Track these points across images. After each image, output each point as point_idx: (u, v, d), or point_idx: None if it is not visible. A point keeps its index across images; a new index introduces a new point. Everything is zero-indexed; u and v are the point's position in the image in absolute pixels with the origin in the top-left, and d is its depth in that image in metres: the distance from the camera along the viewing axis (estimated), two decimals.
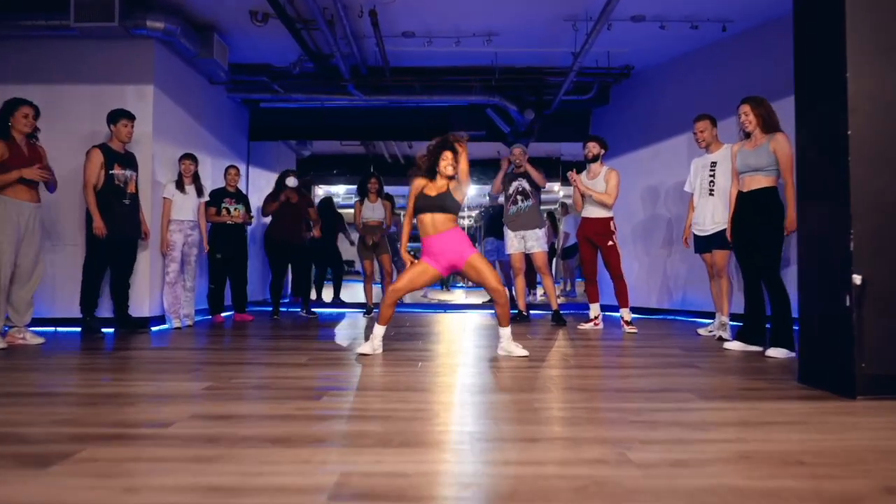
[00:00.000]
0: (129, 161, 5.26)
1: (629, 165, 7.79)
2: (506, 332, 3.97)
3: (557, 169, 9.85)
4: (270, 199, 6.96)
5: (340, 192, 15.58)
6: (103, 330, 5.22)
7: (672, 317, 7.10)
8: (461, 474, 1.67)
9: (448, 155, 3.94)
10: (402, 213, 11.16)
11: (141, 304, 5.63)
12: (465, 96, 7.51)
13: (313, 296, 9.47)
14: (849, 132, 2.62)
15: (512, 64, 7.27)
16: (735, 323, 5.53)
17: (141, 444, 1.94)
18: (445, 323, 6.42)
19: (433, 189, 3.95)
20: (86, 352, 4.17)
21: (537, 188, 6.35)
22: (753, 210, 4.15)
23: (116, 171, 5.12)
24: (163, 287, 5.77)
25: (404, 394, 2.72)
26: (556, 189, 12.40)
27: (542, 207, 6.65)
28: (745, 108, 4.25)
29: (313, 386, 2.89)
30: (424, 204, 3.93)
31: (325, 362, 3.64)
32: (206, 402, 2.54)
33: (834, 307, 2.71)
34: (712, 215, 5.00)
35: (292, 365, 3.53)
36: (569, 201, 10.48)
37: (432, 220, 3.91)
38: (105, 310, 5.43)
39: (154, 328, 5.64)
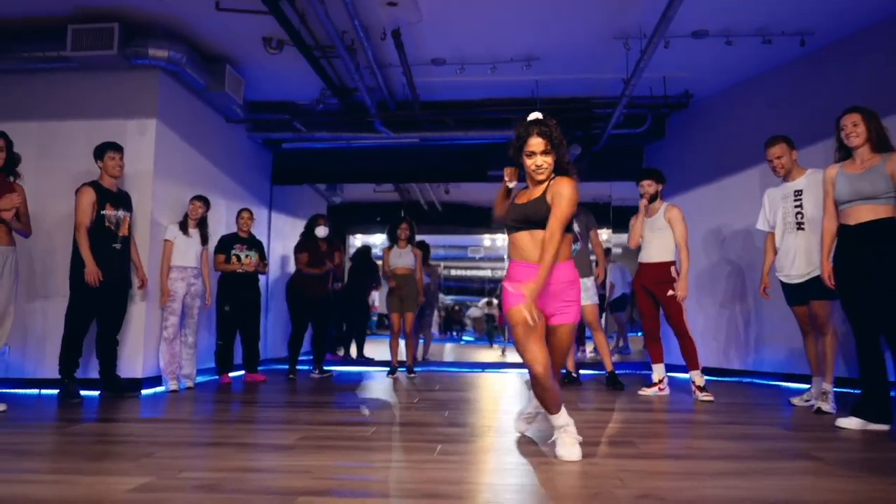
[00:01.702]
0: (122, 200, 4.68)
1: (689, 206, 6.79)
2: (560, 419, 2.59)
3: (607, 214, 8.99)
4: (304, 251, 6.31)
5: (377, 241, 15.01)
6: (86, 394, 4.53)
7: (746, 379, 6.06)
8: None
9: (538, 144, 2.56)
10: (435, 265, 10.11)
11: (133, 364, 4.95)
12: (503, 131, 6.79)
13: (341, 353, 8.76)
14: None
15: (555, 94, 6.56)
16: (841, 389, 4.49)
17: None
18: (484, 386, 5.55)
19: (524, 195, 2.68)
20: (43, 423, 3.47)
21: (586, 229, 5.56)
22: (868, 247, 3.25)
23: (108, 211, 4.53)
24: (159, 343, 5.10)
25: None
26: (605, 238, 11.50)
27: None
28: (856, 117, 3.39)
29: (286, 486, 2.09)
30: (510, 218, 2.68)
31: (317, 444, 2.83)
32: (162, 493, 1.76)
33: None
34: (807, 256, 4.04)
35: (274, 448, 2.74)
36: (619, 250, 9.56)
37: (529, 242, 2.59)
38: (93, 369, 4.77)
39: (148, 391, 4.93)
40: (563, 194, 2.48)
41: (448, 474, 2.28)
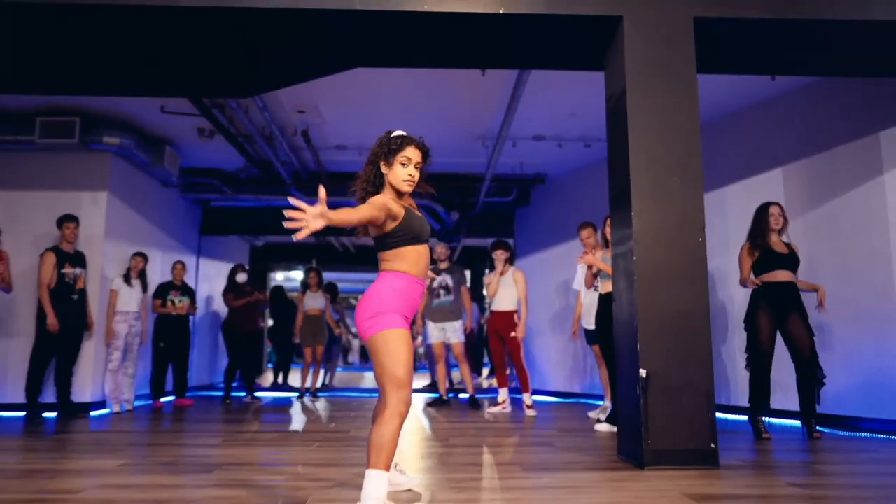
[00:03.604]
0: (79, 260, 5.88)
1: (546, 261, 8.63)
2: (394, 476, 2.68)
3: (486, 258, 10.68)
4: (230, 293, 7.59)
5: (298, 277, 16.21)
6: (45, 415, 5.66)
7: (584, 400, 7.72)
8: None
9: (416, 154, 2.49)
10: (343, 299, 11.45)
11: (83, 390, 6.10)
12: None
13: (280, 379, 9.97)
14: (634, 257, 3.41)
15: (437, 171, 8.09)
16: None
17: None
18: (368, 407, 6.95)
19: (410, 205, 2.54)
20: (24, 435, 4.65)
21: (458, 285, 7.09)
22: (609, 309, 4.90)
23: (67, 269, 5.74)
24: (105, 374, 6.26)
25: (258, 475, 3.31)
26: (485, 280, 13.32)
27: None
28: None
29: (215, 464, 3.45)
30: (422, 229, 2.49)
31: (239, 441, 4.19)
32: (117, 475, 3.09)
33: (631, 395, 3.41)
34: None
35: (192, 443, 4.09)
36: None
37: (425, 256, 2.50)
38: (50, 395, 5.88)
39: (95, 412, 6.08)
40: None
41: (317, 455, 3.69)
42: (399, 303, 2.37)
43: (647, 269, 3.41)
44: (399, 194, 2.49)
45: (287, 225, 2.04)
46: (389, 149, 2.47)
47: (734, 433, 4.75)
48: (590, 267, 5.22)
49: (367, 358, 19.46)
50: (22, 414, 5.66)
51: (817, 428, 4.55)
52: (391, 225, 2.39)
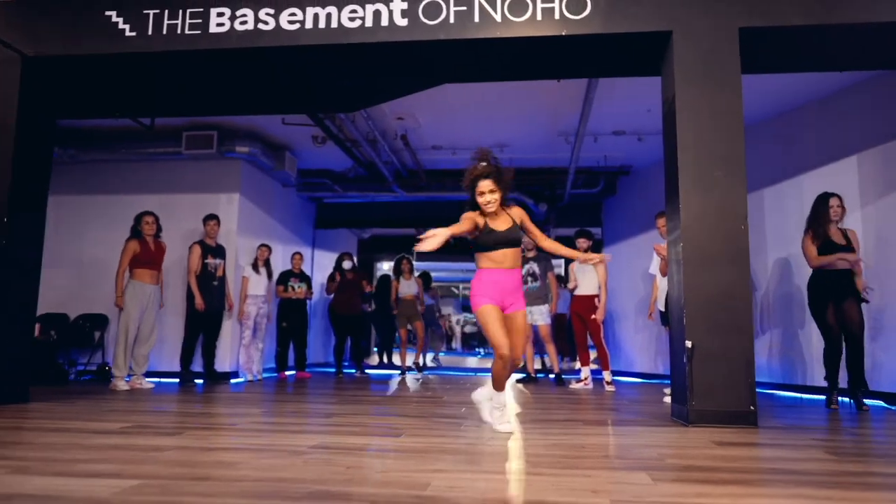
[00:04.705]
0: (219, 252, 7.00)
1: (633, 248, 9.00)
2: (502, 398, 3.48)
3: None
4: (330, 279, 8.59)
5: None
6: (195, 380, 6.82)
7: (667, 381, 8.07)
8: None
9: (486, 185, 3.37)
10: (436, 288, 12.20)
11: (224, 361, 7.24)
12: None
13: (384, 359, 10.99)
14: (681, 244, 3.90)
15: (524, 166, 8.76)
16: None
17: (208, 431, 3.39)
18: (462, 383, 7.70)
19: (500, 223, 3.42)
20: (179, 393, 5.75)
21: (545, 272, 7.67)
22: None
23: (209, 260, 6.86)
24: (239, 348, 7.38)
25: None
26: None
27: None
28: (663, 220, 5.57)
29: (327, 412, 4.29)
30: (493, 240, 3.37)
31: (351, 402, 5.05)
32: (250, 417, 3.99)
33: (680, 363, 3.91)
34: None
35: (324, 410, 4.97)
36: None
37: (504, 255, 3.40)
38: (197, 365, 7.05)
39: (232, 380, 7.21)
40: (527, 216, 3.58)
41: (413, 410, 4.44)
42: (485, 289, 3.38)
43: (693, 254, 3.89)
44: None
45: (417, 248, 3.01)
46: (468, 186, 3.47)
47: (805, 408, 5.08)
48: (663, 255, 5.70)
49: (468, 345, 20.44)
50: (176, 380, 6.85)
51: (864, 402, 4.82)
52: (473, 235, 3.42)
